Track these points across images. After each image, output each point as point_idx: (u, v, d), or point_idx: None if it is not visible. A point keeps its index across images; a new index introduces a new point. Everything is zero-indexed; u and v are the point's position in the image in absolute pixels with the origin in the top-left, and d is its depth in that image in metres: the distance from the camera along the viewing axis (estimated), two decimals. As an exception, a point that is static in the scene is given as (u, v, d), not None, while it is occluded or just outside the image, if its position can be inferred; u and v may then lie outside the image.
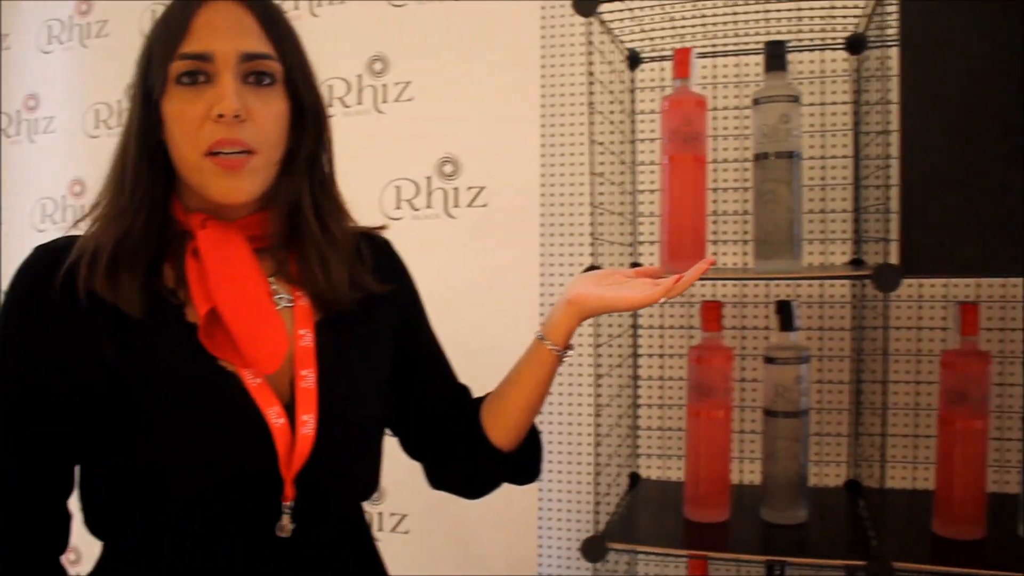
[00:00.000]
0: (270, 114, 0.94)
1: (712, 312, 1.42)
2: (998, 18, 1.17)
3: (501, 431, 1.11)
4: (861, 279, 1.60)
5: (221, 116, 0.89)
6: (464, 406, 1.15)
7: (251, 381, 0.93)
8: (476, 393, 1.17)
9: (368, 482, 1.07)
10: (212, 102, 0.89)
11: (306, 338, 0.98)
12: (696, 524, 1.43)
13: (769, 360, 1.41)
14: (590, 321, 1.41)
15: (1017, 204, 1.17)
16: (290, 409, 0.94)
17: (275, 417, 0.92)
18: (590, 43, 1.33)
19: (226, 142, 0.90)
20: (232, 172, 0.91)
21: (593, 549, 1.33)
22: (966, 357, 1.32)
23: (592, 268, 1.29)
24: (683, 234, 1.36)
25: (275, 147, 0.95)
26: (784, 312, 1.40)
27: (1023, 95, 1.17)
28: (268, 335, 0.93)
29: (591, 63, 1.32)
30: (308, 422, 0.93)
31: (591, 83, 1.33)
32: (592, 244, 1.32)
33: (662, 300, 1.01)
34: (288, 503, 0.92)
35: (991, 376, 1.34)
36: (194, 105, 0.90)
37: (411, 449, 1.17)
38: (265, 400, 0.93)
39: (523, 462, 1.14)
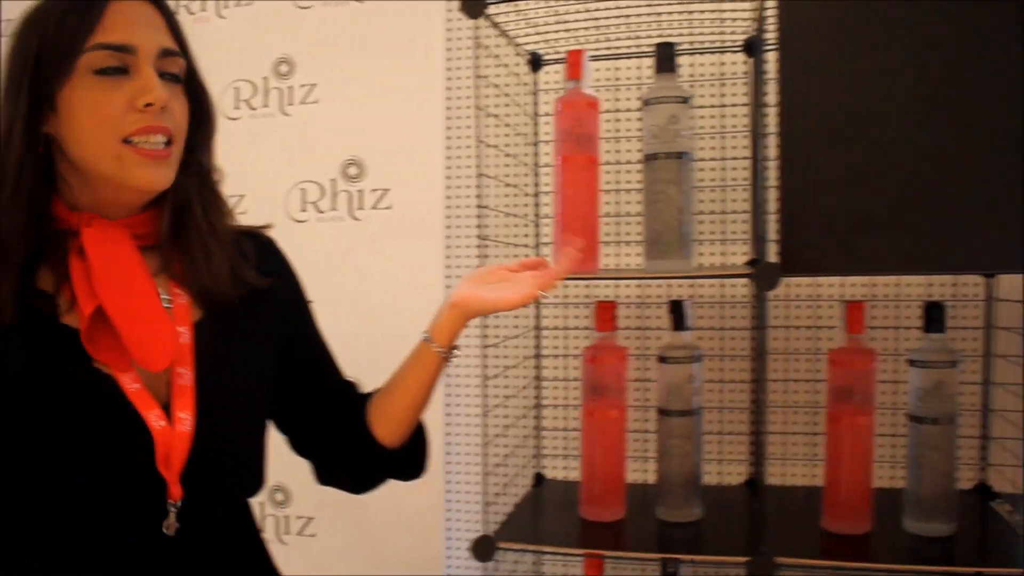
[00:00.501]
0: (181, 109, 0.96)
1: (606, 312, 1.43)
2: (876, 19, 1.19)
3: (387, 429, 1.12)
4: (740, 278, 1.62)
5: (149, 105, 0.90)
6: (350, 403, 1.15)
7: (129, 387, 0.92)
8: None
9: (252, 479, 1.07)
10: (135, 93, 0.90)
11: (184, 336, 0.97)
12: (592, 523, 1.44)
13: (662, 360, 1.42)
14: (480, 321, 1.42)
15: (895, 203, 1.19)
16: (169, 409, 0.94)
17: (156, 420, 0.92)
18: (478, 45, 1.33)
19: (153, 129, 0.91)
20: (158, 161, 0.92)
21: (482, 549, 1.33)
22: (852, 355, 1.34)
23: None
24: (576, 234, 1.36)
25: (182, 142, 0.97)
26: (677, 312, 1.42)
27: (900, 95, 1.19)
28: (156, 332, 0.94)
29: (478, 64, 1.33)
30: (185, 419, 0.93)
31: (478, 84, 1.34)
32: (479, 246, 1.32)
33: (542, 296, 1.06)
34: (174, 502, 0.93)
35: (876, 373, 1.36)
36: (113, 95, 0.90)
37: (299, 447, 1.17)
38: (144, 404, 0.92)
39: (408, 459, 1.17)
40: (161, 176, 0.94)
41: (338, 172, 1.79)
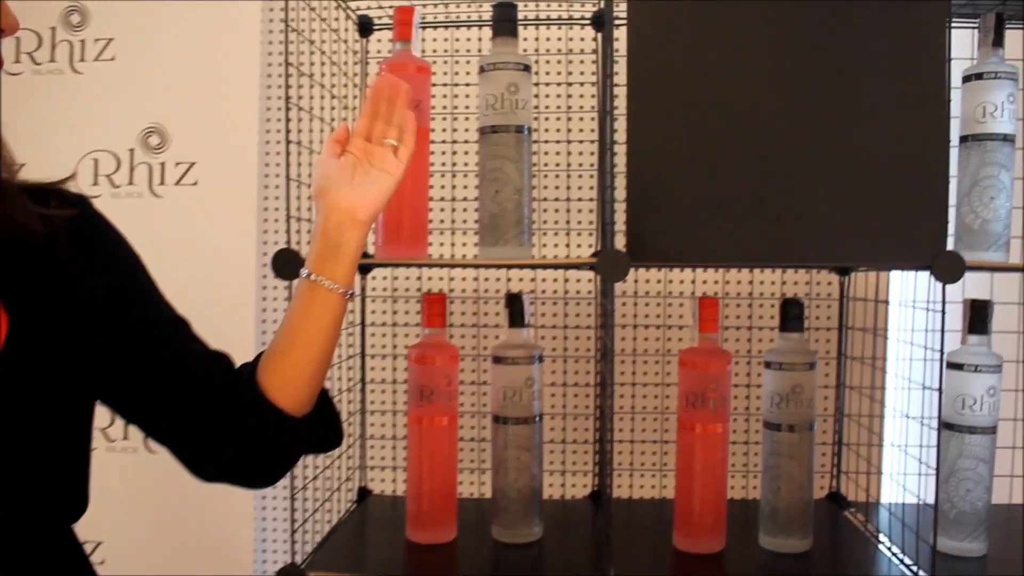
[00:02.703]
0: None
1: (434, 306, 1.26)
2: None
3: (291, 394, 0.91)
4: (585, 271, 1.50)
5: None
6: (226, 373, 0.93)
7: None
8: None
9: (70, 497, 0.87)
10: None
11: None
12: (420, 546, 1.27)
13: (498, 360, 1.26)
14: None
15: (750, 192, 1.08)
16: None
17: None
18: (288, -6, 1.14)
19: None
20: None
21: (287, 581, 1.14)
22: (706, 355, 1.22)
23: (285, 251, 1.10)
24: (401, 215, 1.19)
25: None
26: (514, 306, 1.26)
27: (757, 79, 1.08)
28: None
29: (288, 16, 1.14)
30: None
31: (288, 40, 1.15)
32: (288, 220, 1.13)
33: None
34: None
35: (731, 376, 1.24)
36: None
37: (160, 434, 0.93)
38: None
39: (322, 424, 0.97)
40: None
41: (137, 141, 1.56)
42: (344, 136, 0.95)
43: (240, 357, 0.93)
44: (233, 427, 0.90)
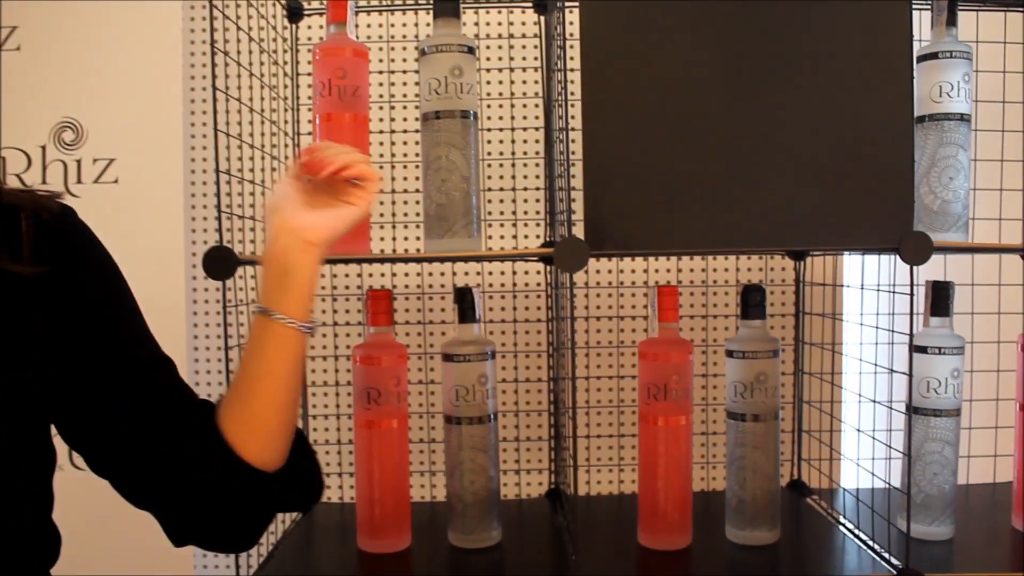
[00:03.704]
0: None
1: (379, 303, 1.19)
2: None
3: (258, 445, 0.81)
4: (535, 263, 1.44)
5: None
6: (200, 426, 0.81)
7: None
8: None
9: (47, 541, 0.81)
10: None
11: None
12: (372, 556, 1.20)
13: (448, 358, 1.20)
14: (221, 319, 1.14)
15: (709, 178, 1.03)
16: None
17: None
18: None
19: None
20: None
21: (233, 603, 1.06)
22: (666, 346, 1.17)
23: (217, 249, 1.02)
24: (341, 209, 1.12)
25: None
26: (463, 301, 1.20)
27: (714, 63, 1.04)
28: None
29: (212, 2, 1.05)
30: None
31: (213, 26, 1.06)
32: (219, 216, 1.05)
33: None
34: None
35: (693, 366, 1.20)
36: None
37: (133, 495, 0.82)
38: None
39: (300, 477, 0.86)
40: None
41: (49, 137, 1.45)
42: (313, 167, 0.82)
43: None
44: (199, 487, 0.80)
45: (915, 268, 1.01)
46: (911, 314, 1.02)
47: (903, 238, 1.01)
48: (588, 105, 1.02)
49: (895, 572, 1.06)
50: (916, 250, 1.01)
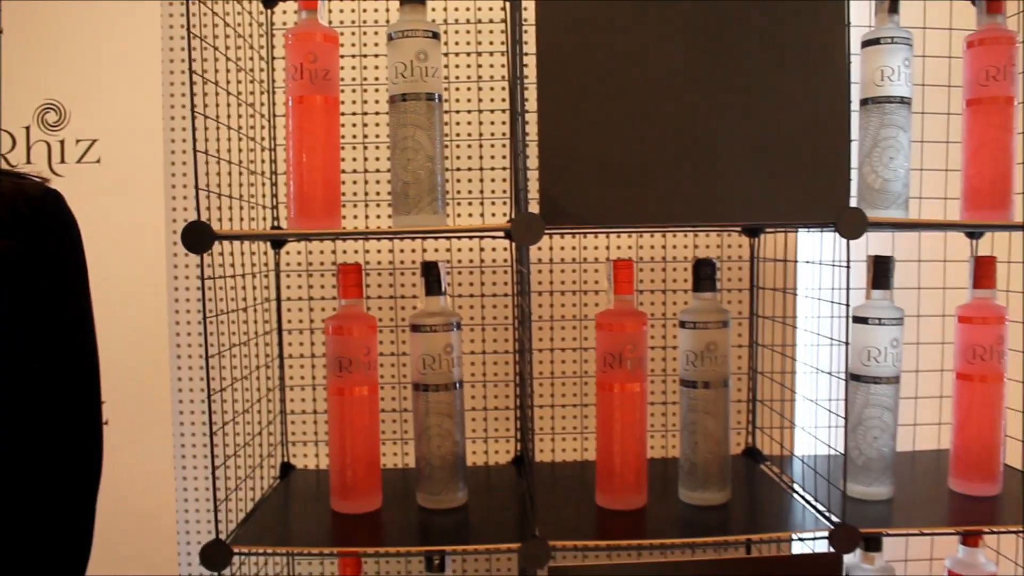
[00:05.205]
0: None
1: (350, 276, 1.25)
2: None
3: None
4: (500, 239, 1.50)
5: None
6: None
7: None
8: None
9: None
10: None
11: None
12: (345, 516, 1.26)
13: (416, 328, 1.26)
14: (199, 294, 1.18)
15: (661, 153, 1.09)
16: None
17: None
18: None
19: None
20: None
21: (213, 556, 1.13)
22: (622, 317, 1.24)
23: (195, 224, 1.08)
24: (312, 188, 1.18)
25: None
26: (430, 274, 1.26)
27: (666, 41, 1.10)
28: None
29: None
30: None
31: (189, 11, 1.12)
32: (196, 194, 1.11)
33: None
34: None
35: (647, 337, 1.27)
36: None
37: None
38: None
39: None
40: None
41: (33, 118, 1.50)
42: None
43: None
44: None
45: (852, 243, 1.08)
46: (847, 286, 1.09)
47: (840, 214, 1.08)
48: (543, 86, 1.08)
49: (831, 527, 1.14)
50: (851, 226, 1.08)
